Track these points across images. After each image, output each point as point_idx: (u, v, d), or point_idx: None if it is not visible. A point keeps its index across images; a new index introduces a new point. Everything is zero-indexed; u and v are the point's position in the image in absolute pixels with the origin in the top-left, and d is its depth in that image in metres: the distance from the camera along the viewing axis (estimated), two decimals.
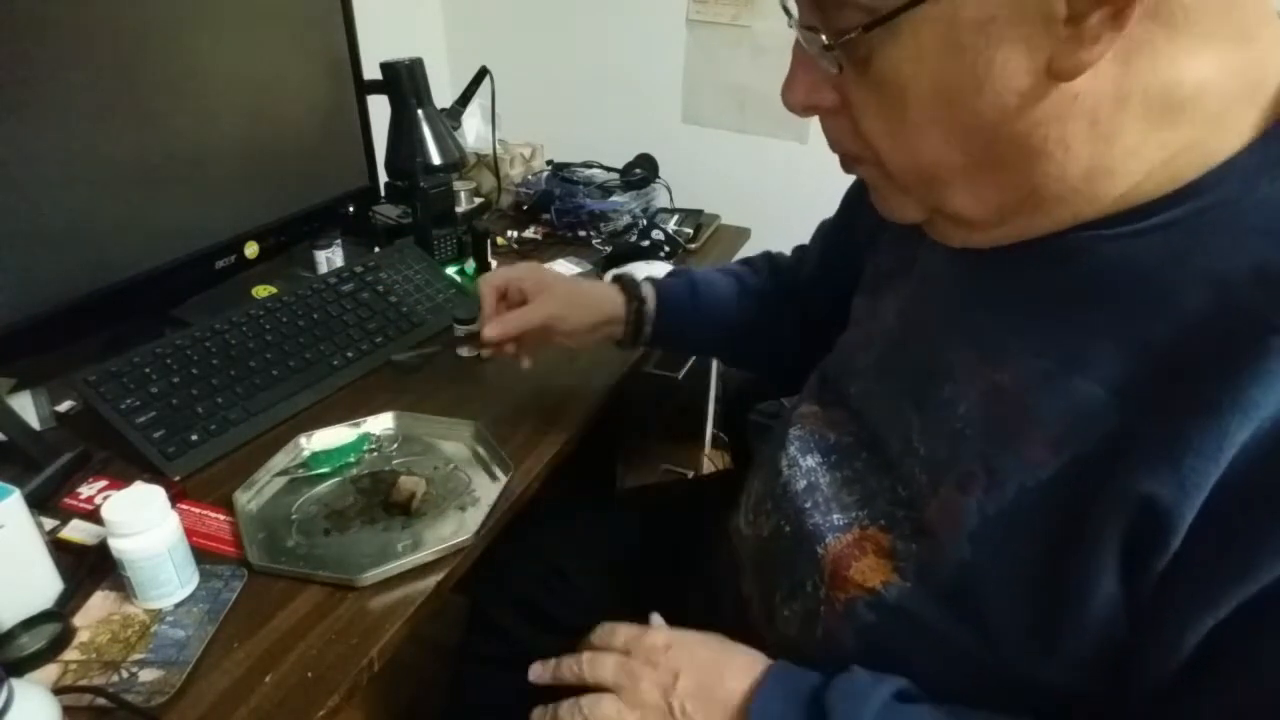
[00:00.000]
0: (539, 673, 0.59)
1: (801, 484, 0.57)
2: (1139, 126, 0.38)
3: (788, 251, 0.90)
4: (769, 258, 0.89)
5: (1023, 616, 0.42)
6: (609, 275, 0.94)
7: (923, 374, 0.51)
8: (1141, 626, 0.39)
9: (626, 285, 0.82)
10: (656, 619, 0.59)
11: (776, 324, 0.83)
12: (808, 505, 0.56)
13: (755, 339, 0.85)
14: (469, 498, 0.72)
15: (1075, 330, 0.42)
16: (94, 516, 0.66)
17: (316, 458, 0.76)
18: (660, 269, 1.15)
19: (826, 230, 0.81)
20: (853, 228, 0.73)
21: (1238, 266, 0.37)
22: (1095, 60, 0.35)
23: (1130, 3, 0.34)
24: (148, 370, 0.78)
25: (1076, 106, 0.37)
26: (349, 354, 0.90)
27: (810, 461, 0.58)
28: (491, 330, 0.75)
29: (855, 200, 0.75)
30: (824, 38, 0.41)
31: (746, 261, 0.90)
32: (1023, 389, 0.44)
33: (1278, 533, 0.34)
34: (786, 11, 0.45)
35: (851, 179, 0.67)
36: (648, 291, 0.81)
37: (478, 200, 1.37)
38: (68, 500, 0.69)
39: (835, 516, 0.53)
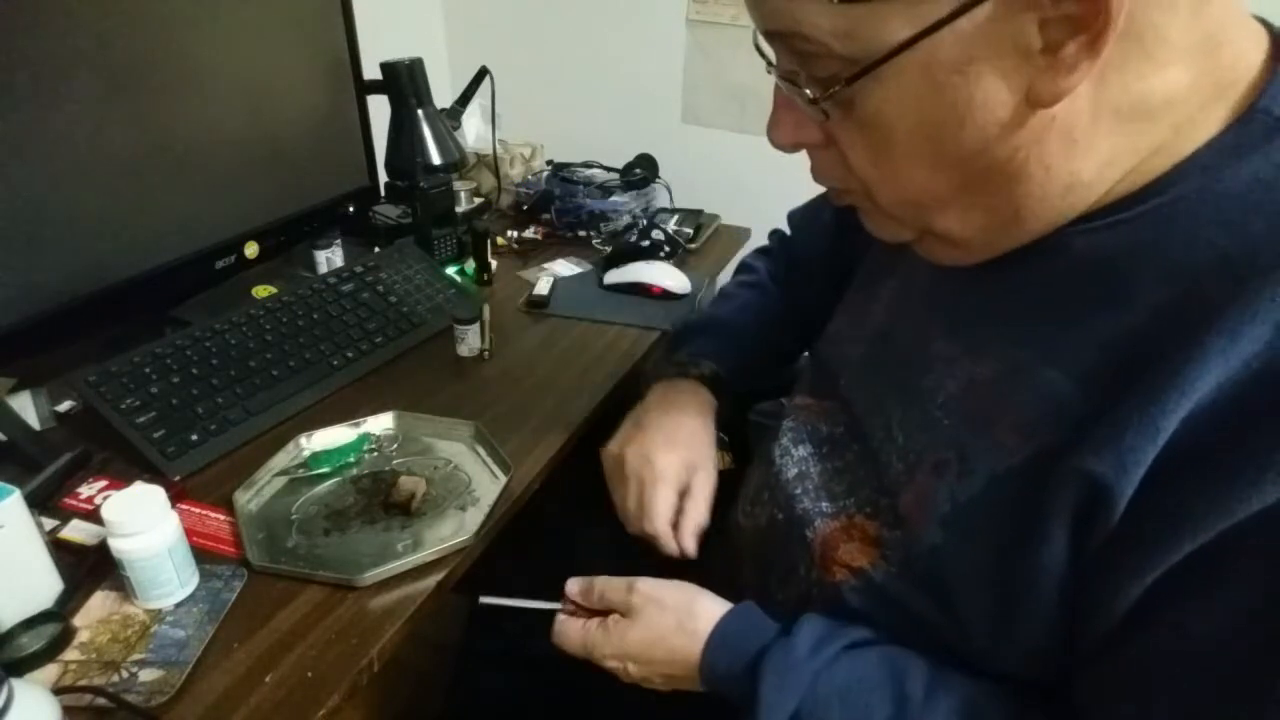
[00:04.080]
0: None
1: (792, 472, 0.59)
2: (1112, 140, 0.40)
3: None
4: (769, 257, 0.89)
5: (985, 601, 0.44)
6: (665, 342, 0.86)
7: (905, 366, 0.53)
8: (1082, 594, 0.41)
9: (709, 382, 0.77)
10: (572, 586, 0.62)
11: (800, 308, 0.83)
12: (797, 492, 0.58)
13: (793, 332, 0.84)
14: (469, 498, 0.72)
15: (1049, 322, 0.44)
16: (94, 516, 0.66)
17: (316, 458, 0.75)
18: (662, 270, 1.15)
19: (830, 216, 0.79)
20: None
21: (1198, 258, 0.39)
22: (1074, 87, 0.37)
23: (1105, 29, 0.34)
24: (148, 370, 0.78)
25: (1054, 128, 0.39)
26: (349, 354, 0.90)
27: (802, 451, 0.60)
28: (693, 545, 0.67)
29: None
30: (808, 92, 0.42)
31: (751, 272, 0.88)
32: (998, 379, 0.45)
33: (1198, 505, 0.36)
34: (763, 57, 0.45)
35: None
36: (717, 378, 0.78)
37: (478, 200, 1.37)
38: (68, 500, 0.69)
39: (824, 504, 0.55)
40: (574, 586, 0.62)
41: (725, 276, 1.35)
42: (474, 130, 1.45)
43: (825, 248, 0.79)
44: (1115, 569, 0.39)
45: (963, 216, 0.44)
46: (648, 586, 0.58)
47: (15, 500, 0.55)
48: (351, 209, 1.16)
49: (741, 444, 1.00)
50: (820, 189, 0.53)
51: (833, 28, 0.38)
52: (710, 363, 0.78)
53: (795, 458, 0.60)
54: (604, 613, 0.60)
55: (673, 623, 0.55)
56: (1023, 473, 0.42)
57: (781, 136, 0.47)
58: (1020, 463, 0.42)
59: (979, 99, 0.38)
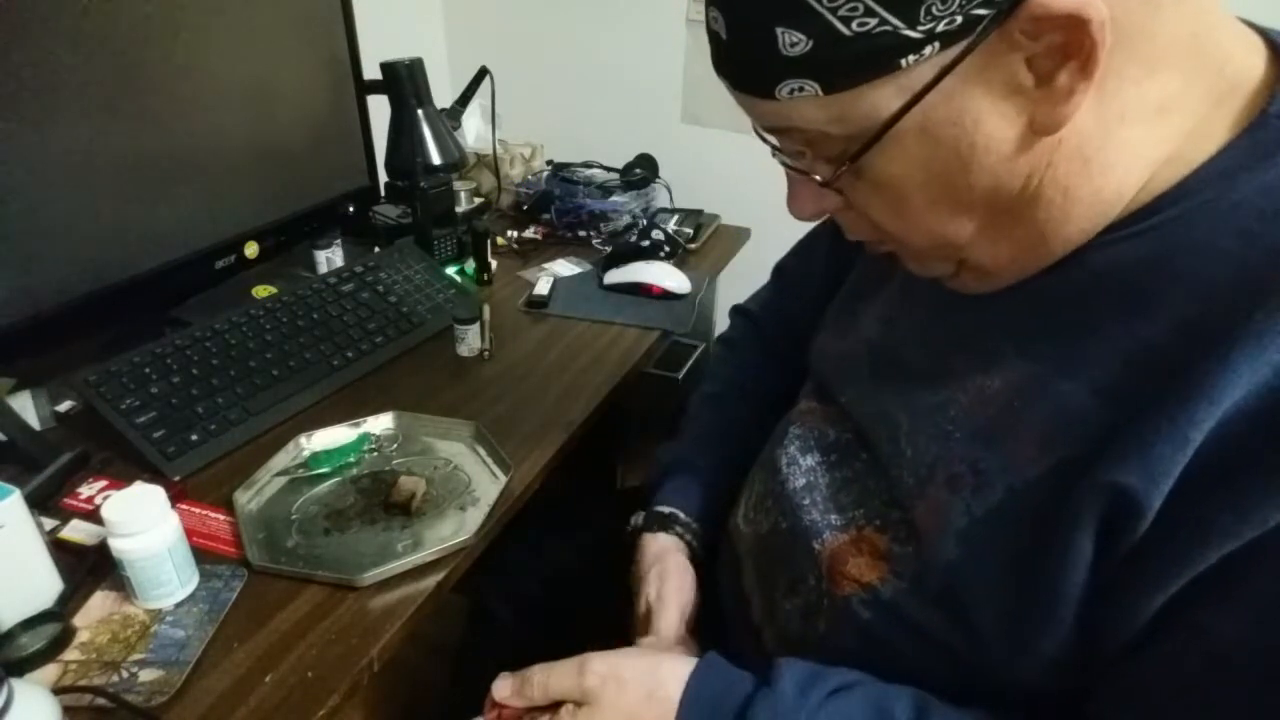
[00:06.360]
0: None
1: (800, 482, 0.58)
2: (1124, 150, 0.40)
3: (776, 251, 0.88)
4: (743, 339, 0.85)
5: (1002, 614, 0.43)
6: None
7: (913, 378, 0.52)
8: (1105, 603, 0.40)
9: (683, 535, 0.71)
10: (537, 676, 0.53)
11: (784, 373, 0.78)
12: (805, 503, 0.56)
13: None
14: (469, 498, 0.72)
15: (1063, 334, 0.44)
16: (94, 516, 0.66)
17: (316, 458, 0.76)
18: (662, 270, 1.15)
19: (824, 248, 0.75)
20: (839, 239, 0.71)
21: (1217, 267, 0.38)
22: (1075, 111, 0.37)
23: (1093, 51, 0.35)
24: (148, 370, 0.78)
25: (1063, 150, 0.39)
26: (349, 354, 0.90)
27: (809, 461, 0.59)
28: None
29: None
30: (818, 177, 0.44)
31: (732, 351, 0.85)
32: (1012, 392, 0.45)
33: (1227, 516, 0.35)
34: (766, 142, 0.46)
35: None
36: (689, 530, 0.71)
37: (478, 200, 1.37)
38: (68, 500, 0.69)
39: (833, 517, 0.54)
40: (504, 688, 0.53)
41: (725, 277, 1.35)
42: (474, 130, 1.45)
43: (816, 291, 0.74)
44: (1141, 578, 0.38)
45: (992, 249, 0.44)
46: (602, 664, 0.51)
47: (15, 500, 0.55)
48: (351, 209, 1.16)
49: None
50: (807, 227, 0.53)
51: (826, 116, 0.40)
52: (683, 523, 0.72)
53: (803, 467, 0.59)
54: (550, 707, 0.52)
55: (640, 695, 0.49)
56: (1043, 485, 0.42)
57: (803, 210, 0.48)
58: (1039, 475, 0.42)
59: (981, 143, 0.39)
